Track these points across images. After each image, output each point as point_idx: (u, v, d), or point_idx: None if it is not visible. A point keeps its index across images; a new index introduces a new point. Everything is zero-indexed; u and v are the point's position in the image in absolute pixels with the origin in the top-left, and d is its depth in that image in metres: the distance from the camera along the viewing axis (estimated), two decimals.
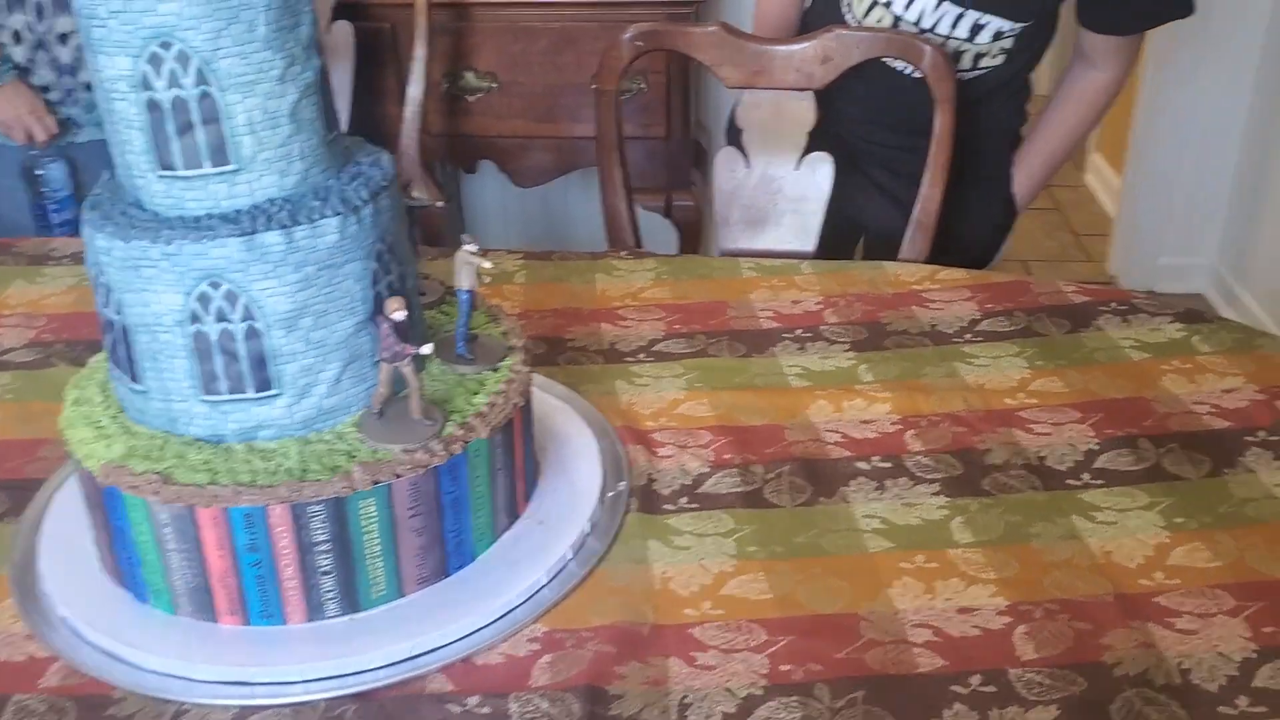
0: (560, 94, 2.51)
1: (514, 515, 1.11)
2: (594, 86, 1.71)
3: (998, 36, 1.63)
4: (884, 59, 1.65)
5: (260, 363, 0.98)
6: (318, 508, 0.96)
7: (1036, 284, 1.53)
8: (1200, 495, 1.13)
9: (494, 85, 2.49)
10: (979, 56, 1.66)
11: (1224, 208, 3.03)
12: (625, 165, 1.76)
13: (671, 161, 2.53)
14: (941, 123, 1.61)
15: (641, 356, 1.39)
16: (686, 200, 2.55)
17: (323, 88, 0.99)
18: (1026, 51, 1.68)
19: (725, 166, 1.73)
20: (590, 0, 2.43)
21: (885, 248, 1.70)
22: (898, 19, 1.64)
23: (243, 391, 0.98)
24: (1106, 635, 0.98)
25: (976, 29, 1.62)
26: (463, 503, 1.04)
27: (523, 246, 1.73)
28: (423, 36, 2.20)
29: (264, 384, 0.99)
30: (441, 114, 2.50)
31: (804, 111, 1.65)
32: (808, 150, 1.68)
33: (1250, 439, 1.20)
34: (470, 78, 2.48)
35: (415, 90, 2.23)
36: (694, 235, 2.55)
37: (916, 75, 1.64)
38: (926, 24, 1.63)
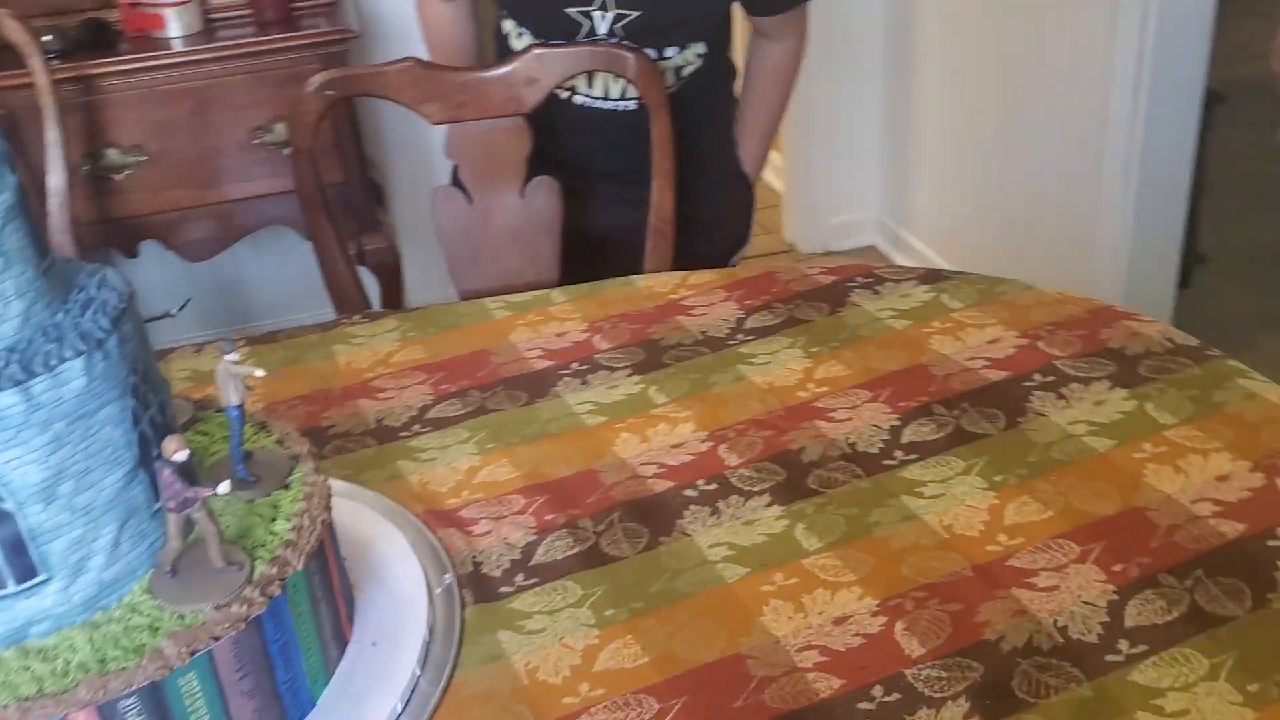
0: (218, 156, 2.31)
1: (342, 643, 0.98)
2: (287, 151, 1.57)
3: (685, 50, 1.64)
4: (581, 100, 1.63)
5: (18, 548, 0.80)
6: (130, 700, 0.80)
7: (781, 272, 1.54)
8: (1007, 449, 1.17)
9: (142, 158, 2.26)
10: (679, 69, 1.67)
11: (877, 162, 3.23)
12: (336, 223, 1.63)
13: (354, 206, 2.39)
14: (658, 129, 1.59)
15: (416, 428, 1.28)
16: (379, 243, 2.42)
17: (24, 208, 0.82)
18: (717, 44, 1.70)
19: (446, 206, 1.64)
20: (233, 53, 2.24)
21: (635, 258, 1.67)
22: None
23: (1, 586, 0.81)
24: (980, 611, 0.98)
25: (664, 56, 1.63)
26: (291, 647, 0.90)
27: (204, 329, 1.56)
28: (53, 118, 1.94)
29: (26, 572, 0.81)
30: (88, 199, 2.24)
31: (517, 137, 1.58)
32: (530, 176, 1.62)
33: (1029, 384, 1.25)
34: (114, 154, 2.23)
35: (56, 179, 1.97)
36: (394, 279, 2.42)
37: (618, 108, 1.63)
38: None
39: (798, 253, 3.29)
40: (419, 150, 2.71)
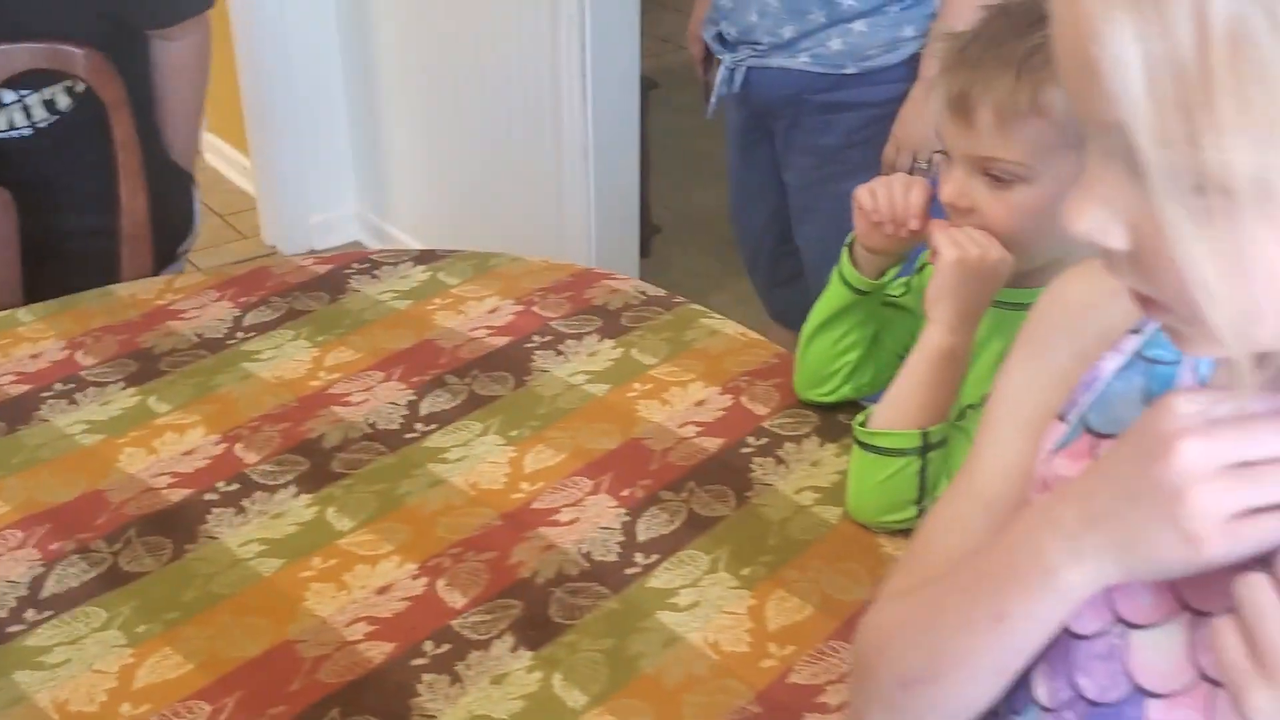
0: None
1: None
2: None
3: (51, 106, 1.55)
4: None
5: None
6: None
7: (274, 266, 1.52)
8: (518, 406, 1.24)
9: None
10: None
11: (351, 157, 3.24)
12: None
13: None
14: (120, 128, 1.50)
15: None
16: None
17: None
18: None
19: None
20: None
21: (109, 267, 1.56)
22: None
23: None
24: (513, 554, 1.05)
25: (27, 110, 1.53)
26: None
27: None
28: None
29: None
30: None
31: None
32: None
33: (530, 345, 1.34)
34: None
35: None
36: None
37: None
38: None
39: (281, 255, 3.22)
40: None
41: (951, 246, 1.00)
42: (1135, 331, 0.60)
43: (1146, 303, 0.49)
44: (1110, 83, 0.42)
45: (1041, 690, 0.60)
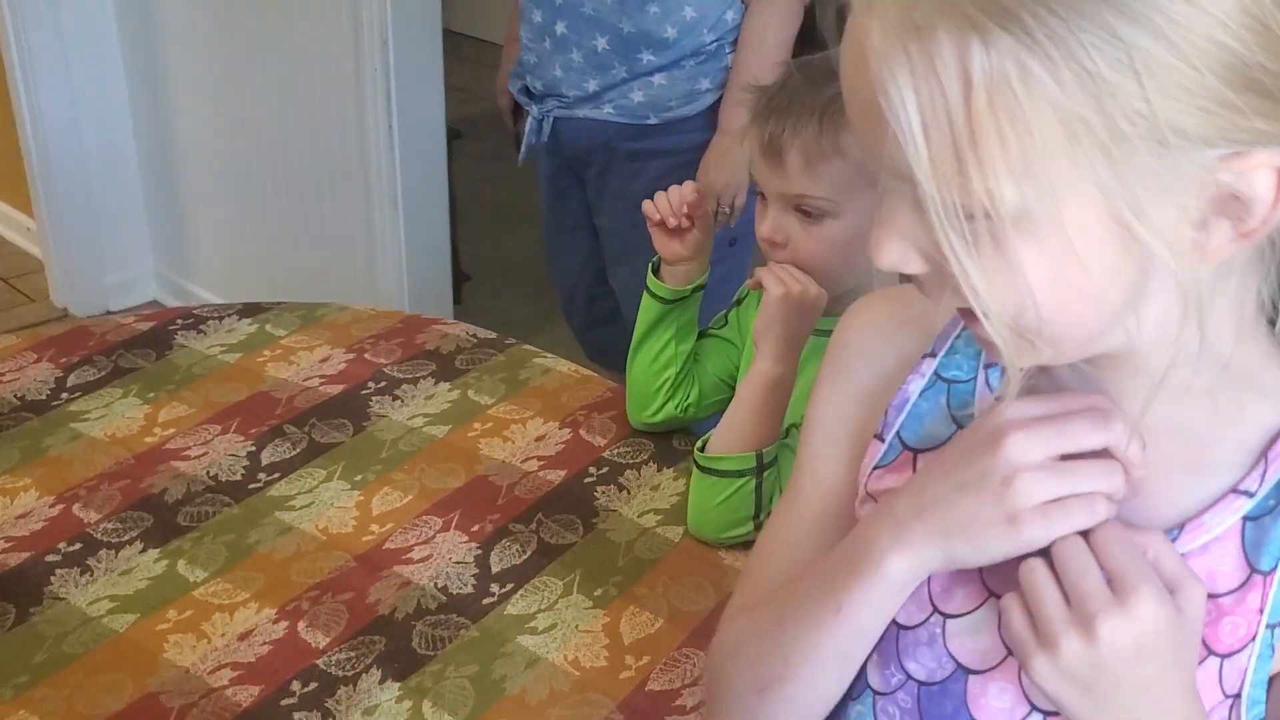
0: None
1: None
2: None
3: None
4: None
5: None
6: None
7: (96, 325, 1.50)
8: (360, 451, 1.27)
9: None
10: None
11: (145, 212, 3.15)
12: None
13: None
14: None
15: None
16: None
17: None
18: None
19: None
20: None
21: None
22: None
23: None
24: (370, 593, 1.08)
25: None
26: None
27: None
28: None
29: None
30: None
31: None
32: None
33: (366, 392, 1.37)
34: None
35: None
36: None
37: None
38: None
39: (74, 317, 3.10)
40: None
41: (777, 284, 1.10)
42: (931, 355, 0.67)
43: (966, 316, 0.56)
44: (893, 131, 0.49)
45: (875, 677, 0.66)
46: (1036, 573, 0.56)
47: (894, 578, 0.60)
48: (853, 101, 0.52)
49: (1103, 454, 0.57)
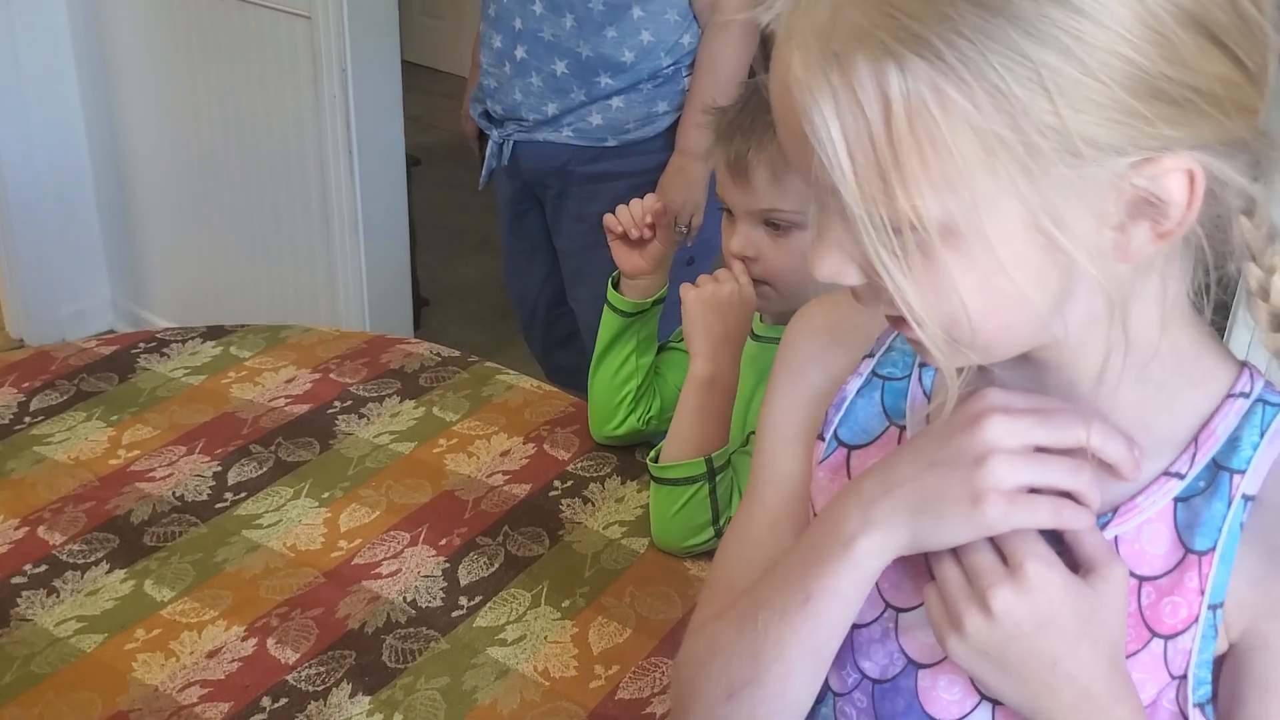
0: None
1: None
2: None
3: None
4: None
5: None
6: None
7: (57, 350, 1.50)
8: (327, 469, 1.28)
9: None
10: None
11: (101, 241, 3.14)
12: None
13: None
14: None
15: None
16: None
17: None
18: None
19: None
20: None
21: None
22: None
23: None
24: (339, 609, 1.09)
25: None
26: None
27: None
28: None
29: None
30: None
31: None
32: None
33: (332, 411, 1.38)
34: None
35: None
36: None
37: None
38: None
39: (30, 347, 3.07)
40: None
41: (689, 288, 1.13)
42: (869, 355, 0.70)
43: (896, 322, 0.58)
44: (819, 153, 0.51)
45: (833, 678, 0.67)
46: (944, 557, 0.59)
47: (862, 561, 0.61)
48: (781, 126, 0.55)
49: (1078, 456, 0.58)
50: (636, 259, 1.25)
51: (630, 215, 1.24)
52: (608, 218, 1.26)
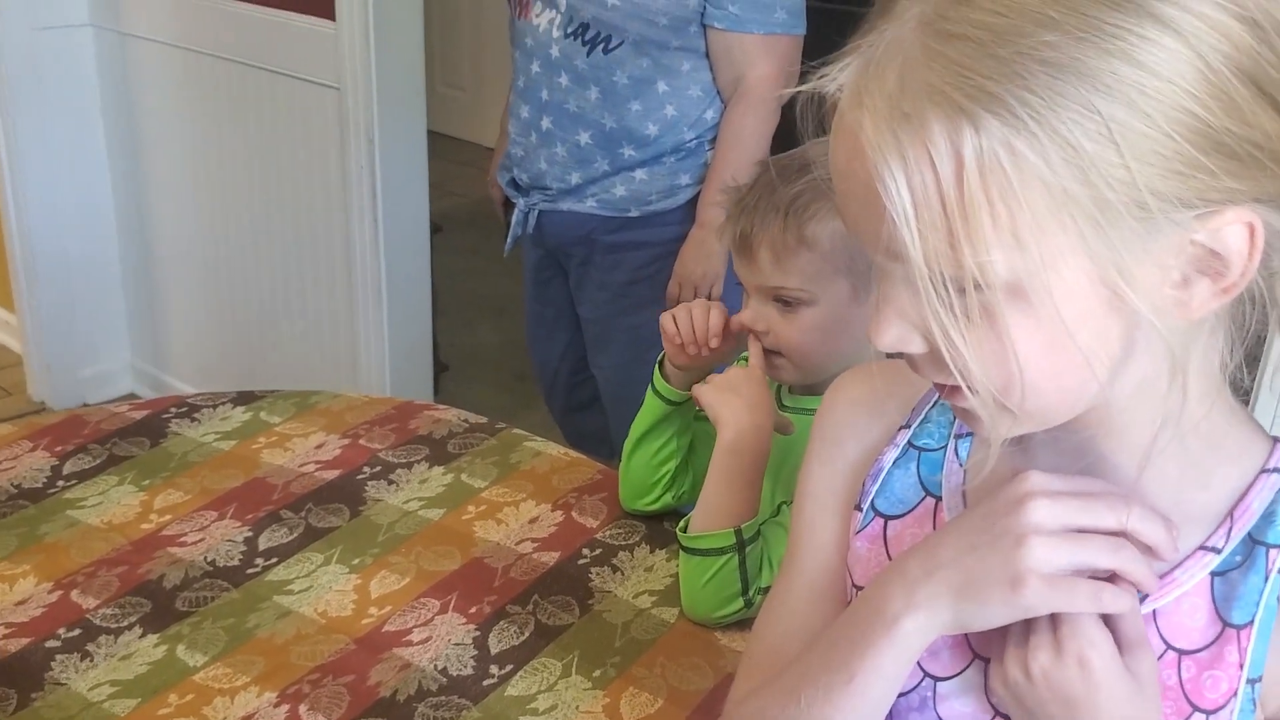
0: None
1: None
2: None
3: None
4: None
5: None
6: None
7: (89, 414, 1.51)
8: (357, 535, 1.29)
9: None
10: None
11: (124, 306, 3.17)
12: None
13: None
14: None
15: None
16: None
17: None
18: None
19: None
20: None
21: None
22: None
23: None
24: (371, 675, 1.09)
25: None
26: None
27: None
28: None
29: None
30: None
31: None
32: None
33: (361, 477, 1.39)
34: None
35: None
36: None
37: None
38: None
39: (51, 410, 3.09)
40: None
41: (700, 387, 1.16)
42: (905, 426, 0.71)
43: (949, 391, 0.58)
44: (890, 211, 0.52)
45: None
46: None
47: (906, 641, 0.62)
48: (847, 191, 0.56)
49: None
50: (686, 356, 1.22)
51: (691, 328, 1.20)
52: (665, 320, 1.22)
